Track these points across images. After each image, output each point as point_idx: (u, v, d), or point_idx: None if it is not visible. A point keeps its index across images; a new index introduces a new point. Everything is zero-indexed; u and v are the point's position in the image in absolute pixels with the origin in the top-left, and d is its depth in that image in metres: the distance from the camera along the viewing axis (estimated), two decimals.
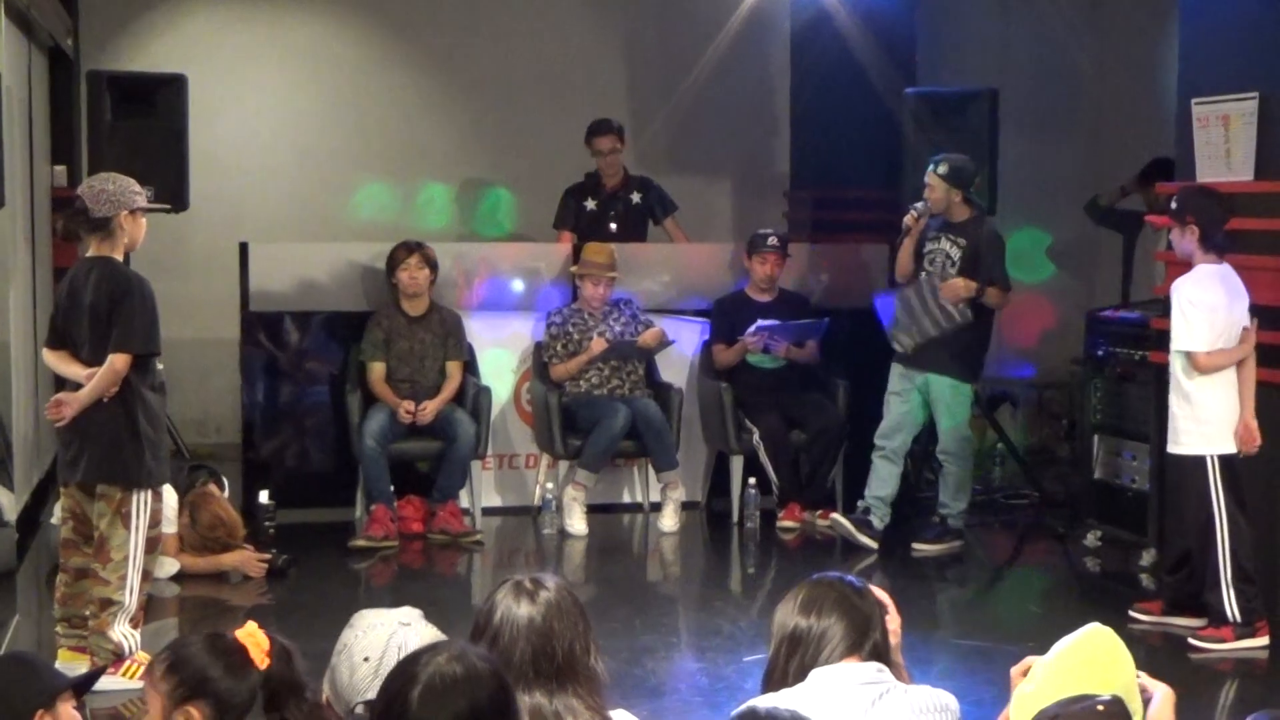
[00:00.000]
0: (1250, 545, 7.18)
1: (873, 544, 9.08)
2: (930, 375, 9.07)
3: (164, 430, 6.63)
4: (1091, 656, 3.49)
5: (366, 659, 3.19)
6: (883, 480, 9.21)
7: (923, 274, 9.07)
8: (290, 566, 8.27)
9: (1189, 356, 7.14)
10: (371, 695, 3.13)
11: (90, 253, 6.42)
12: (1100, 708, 3.19)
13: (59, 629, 6.63)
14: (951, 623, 8.16)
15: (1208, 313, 7.11)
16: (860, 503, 9.27)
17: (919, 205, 9.07)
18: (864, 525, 9.16)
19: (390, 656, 3.18)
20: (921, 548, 9.06)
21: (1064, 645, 3.48)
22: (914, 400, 9.16)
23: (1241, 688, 6.89)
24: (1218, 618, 7.18)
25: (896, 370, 9.22)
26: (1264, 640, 7.17)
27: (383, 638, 3.21)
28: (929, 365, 9.07)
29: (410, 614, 3.28)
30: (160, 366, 6.59)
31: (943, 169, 8.99)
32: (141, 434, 6.38)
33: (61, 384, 6.76)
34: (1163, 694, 3.54)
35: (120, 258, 6.42)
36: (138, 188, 6.48)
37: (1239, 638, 7.14)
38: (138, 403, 6.38)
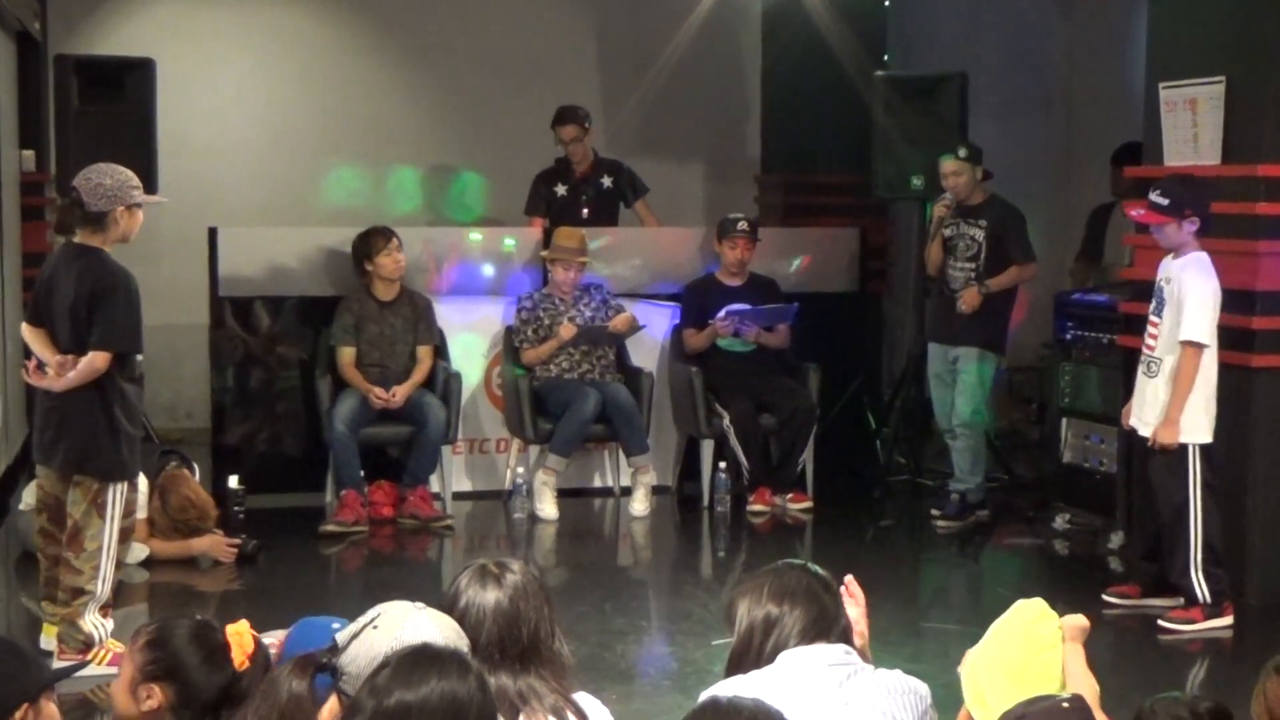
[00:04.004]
0: (1219, 530, 7.21)
1: (983, 514, 9.37)
2: (959, 350, 9.25)
3: (140, 423, 6.58)
4: (1018, 623, 3.86)
5: (360, 616, 3.22)
6: None
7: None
8: (260, 551, 8.26)
9: (1195, 347, 7.12)
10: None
11: (77, 239, 6.35)
12: (1065, 705, 3.29)
13: (44, 605, 6.63)
14: (921, 606, 8.18)
15: (1215, 301, 7.14)
16: (951, 486, 9.44)
17: (947, 196, 9.30)
18: (964, 511, 9.36)
19: (371, 616, 3.20)
20: (945, 524, 9.19)
21: (994, 627, 3.86)
22: (950, 379, 9.36)
23: (1211, 668, 6.93)
24: (1190, 599, 7.23)
25: (934, 350, 9.47)
26: (1229, 620, 7.22)
27: (384, 605, 3.23)
28: (957, 339, 9.27)
29: (432, 610, 3.25)
30: (140, 357, 6.51)
31: (963, 151, 9.26)
32: (118, 428, 6.33)
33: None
34: (1069, 630, 3.79)
35: (109, 249, 6.33)
36: (136, 181, 6.37)
37: (1208, 618, 7.19)
38: (115, 396, 6.32)
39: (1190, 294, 7.12)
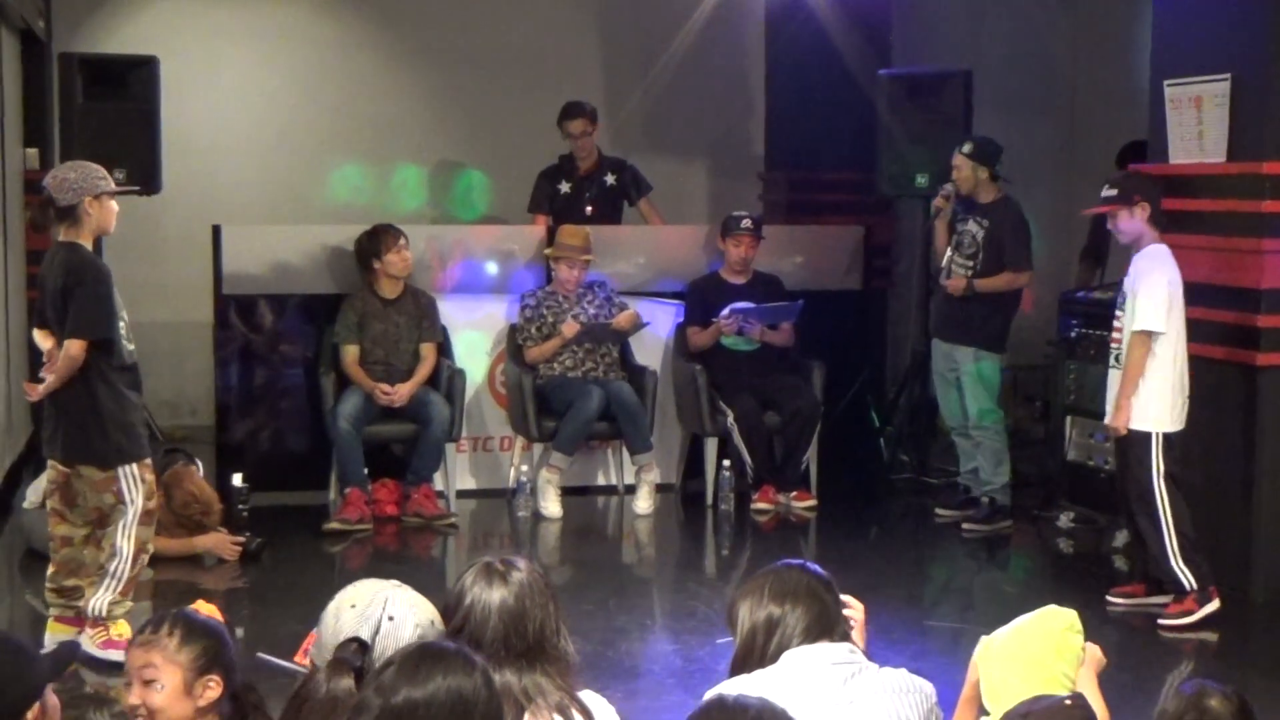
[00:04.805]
0: (1189, 516, 7.22)
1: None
2: (957, 348, 9.19)
3: (133, 408, 6.62)
4: (1051, 634, 3.73)
5: (353, 605, 3.27)
6: (968, 455, 9.35)
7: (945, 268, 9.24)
8: (263, 549, 8.26)
9: (1146, 335, 7.16)
10: (357, 635, 3.21)
11: (60, 238, 6.49)
12: (1067, 703, 3.27)
13: (49, 597, 6.71)
14: (926, 604, 8.18)
15: (1170, 290, 7.16)
16: (959, 481, 9.42)
17: (947, 187, 9.24)
18: (966, 504, 9.28)
19: (375, 606, 3.26)
20: (972, 528, 9.10)
21: (1024, 622, 3.73)
22: (952, 377, 9.28)
23: (1217, 667, 6.92)
24: (1178, 591, 7.23)
25: (937, 346, 9.41)
26: (1216, 603, 7.22)
27: (371, 590, 3.31)
28: (955, 338, 9.21)
29: (403, 585, 3.38)
30: (131, 346, 6.61)
31: (967, 148, 9.15)
32: (105, 414, 6.45)
33: (38, 361, 6.81)
34: (1090, 656, 3.73)
35: (88, 243, 6.46)
36: (102, 173, 6.50)
37: (1201, 604, 7.19)
38: (99, 383, 6.45)
39: (1143, 284, 7.20)
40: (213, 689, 3.56)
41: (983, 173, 9.14)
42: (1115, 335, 7.43)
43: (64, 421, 6.50)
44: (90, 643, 6.41)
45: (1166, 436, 7.21)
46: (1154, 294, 7.16)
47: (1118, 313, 7.40)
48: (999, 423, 9.26)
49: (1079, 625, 3.79)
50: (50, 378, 6.45)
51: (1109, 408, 7.40)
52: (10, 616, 7.48)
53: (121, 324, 6.54)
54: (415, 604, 3.30)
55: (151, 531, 6.78)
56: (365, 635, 3.21)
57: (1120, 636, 7.16)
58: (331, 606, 3.31)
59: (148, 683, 3.58)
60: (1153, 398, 7.21)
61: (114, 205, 6.52)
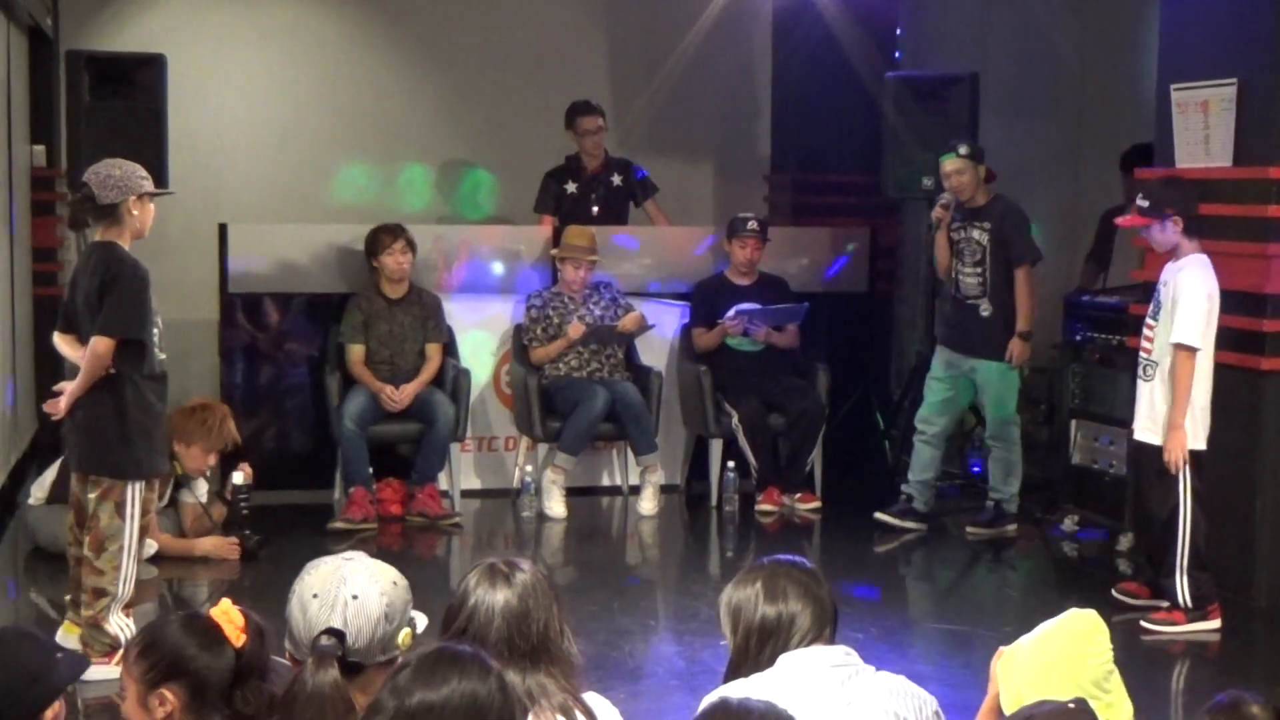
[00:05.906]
0: (1205, 534, 7.20)
1: (921, 526, 9.18)
2: (978, 361, 9.07)
3: (160, 420, 6.51)
4: (1072, 636, 3.60)
5: (315, 595, 3.28)
6: (924, 464, 9.25)
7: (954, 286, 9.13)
8: (261, 547, 8.24)
9: (1188, 350, 7.09)
10: (329, 625, 3.21)
11: (97, 237, 6.37)
12: (1071, 706, 3.25)
13: (69, 606, 6.58)
14: (930, 607, 8.18)
15: (1209, 304, 7.11)
16: (904, 488, 9.31)
17: (945, 196, 9.09)
18: (907, 514, 9.21)
19: (336, 589, 3.26)
20: (975, 531, 9.10)
21: (1047, 626, 3.60)
22: (959, 385, 9.19)
23: (1193, 669, 6.93)
24: (1172, 602, 7.23)
25: (943, 355, 9.25)
26: (1215, 623, 7.21)
27: (327, 573, 3.31)
28: (976, 350, 9.07)
29: (354, 554, 3.39)
30: (162, 355, 6.48)
31: (965, 150, 9.01)
32: (130, 424, 6.28)
33: (61, 368, 6.71)
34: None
35: (126, 244, 6.32)
36: (144, 173, 6.36)
37: (1190, 621, 7.19)
38: (127, 390, 6.29)
39: (1183, 296, 7.10)
40: (167, 705, 3.37)
41: (982, 171, 9.06)
42: (1146, 345, 7.31)
43: (82, 429, 6.30)
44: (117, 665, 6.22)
45: (1196, 454, 7.16)
46: (1194, 307, 7.07)
47: (1149, 321, 7.30)
48: (1016, 432, 9.19)
49: (1101, 625, 3.66)
50: (71, 384, 6.30)
51: (1143, 423, 7.29)
52: (16, 614, 7.48)
53: (155, 331, 6.39)
54: (374, 573, 3.30)
55: (144, 546, 6.72)
56: (337, 623, 3.22)
57: (1124, 636, 7.16)
58: (294, 601, 3.29)
59: (121, 689, 3.49)
60: (1187, 414, 7.15)
61: (152, 207, 6.40)
